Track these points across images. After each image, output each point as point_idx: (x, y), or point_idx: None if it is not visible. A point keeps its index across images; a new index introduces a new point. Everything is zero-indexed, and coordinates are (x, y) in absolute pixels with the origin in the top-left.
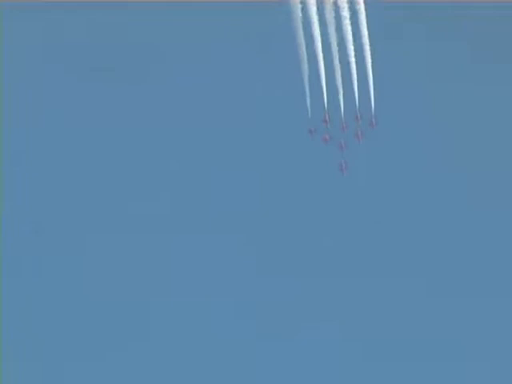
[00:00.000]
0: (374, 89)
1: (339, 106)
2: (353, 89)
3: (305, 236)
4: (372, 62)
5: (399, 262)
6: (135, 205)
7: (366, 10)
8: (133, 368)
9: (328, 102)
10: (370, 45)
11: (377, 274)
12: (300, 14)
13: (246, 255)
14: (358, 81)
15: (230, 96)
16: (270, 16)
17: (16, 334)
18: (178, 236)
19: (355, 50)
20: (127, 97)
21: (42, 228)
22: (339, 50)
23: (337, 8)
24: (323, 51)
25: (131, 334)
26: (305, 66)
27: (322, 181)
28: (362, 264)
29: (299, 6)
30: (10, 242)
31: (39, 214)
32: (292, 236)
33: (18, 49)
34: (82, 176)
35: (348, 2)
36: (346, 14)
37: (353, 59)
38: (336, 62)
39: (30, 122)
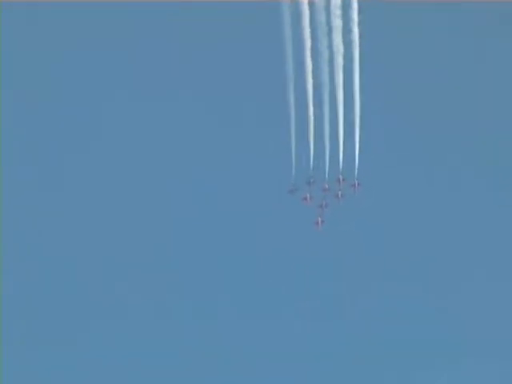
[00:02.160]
0: (360, 150)
1: (324, 166)
2: (338, 148)
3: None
4: (361, 119)
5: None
6: None
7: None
8: (132, 367)
9: (313, 160)
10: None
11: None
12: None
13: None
14: (344, 138)
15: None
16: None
17: (16, 334)
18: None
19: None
20: (127, 97)
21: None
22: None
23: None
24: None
25: (130, 334)
26: (292, 116)
27: (297, 236)
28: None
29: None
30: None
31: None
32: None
33: (17, 49)
34: (81, 176)
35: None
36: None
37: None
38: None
39: (30, 121)
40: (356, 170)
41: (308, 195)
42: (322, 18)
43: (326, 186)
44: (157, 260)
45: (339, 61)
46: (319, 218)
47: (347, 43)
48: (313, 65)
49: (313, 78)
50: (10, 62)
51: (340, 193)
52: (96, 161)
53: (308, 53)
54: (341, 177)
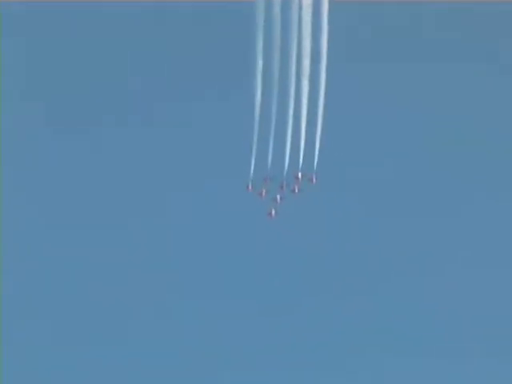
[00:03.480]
0: (320, 146)
1: (283, 164)
2: (299, 145)
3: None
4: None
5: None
6: None
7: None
8: (133, 367)
9: (272, 158)
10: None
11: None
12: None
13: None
14: (306, 136)
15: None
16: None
17: (16, 333)
18: None
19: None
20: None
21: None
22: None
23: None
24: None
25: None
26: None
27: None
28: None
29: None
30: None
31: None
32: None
33: (17, 49)
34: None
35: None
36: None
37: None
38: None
39: (30, 121)
40: (315, 166)
41: (264, 190)
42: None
43: (284, 183)
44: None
45: (306, 55)
46: (272, 210)
47: (316, 40)
48: (280, 60)
49: (280, 72)
50: (11, 61)
51: (297, 187)
52: (96, 160)
53: (277, 48)
54: (300, 174)
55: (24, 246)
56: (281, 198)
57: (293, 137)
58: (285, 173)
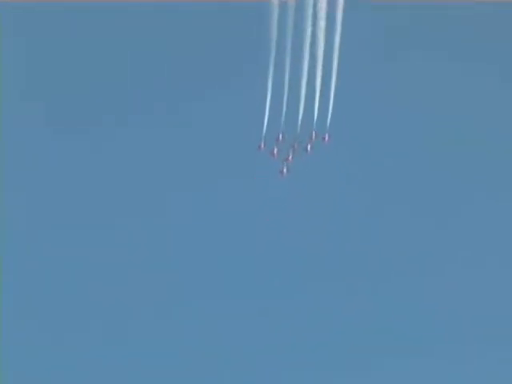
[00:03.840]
0: (334, 103)
1: (297, 121)
2: (314, 103)
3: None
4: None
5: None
6: None
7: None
8: (132, 367)
9: (286, 117)
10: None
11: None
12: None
13: None
14: (320, 94)
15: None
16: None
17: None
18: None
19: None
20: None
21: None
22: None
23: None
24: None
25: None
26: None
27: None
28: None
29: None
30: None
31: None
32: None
33: (17, 49)
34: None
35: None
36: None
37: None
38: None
39: (30, 122)
40: (328, 124)
41: (276, 149)
42: None
43: (295, 144)
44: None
45: (322, 16)
46: (284, 168)
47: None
48: (295, 21)
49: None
50: (11, 61)
51: (309, 146)
52: (96, 160)
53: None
54: (314, 133)
55: (24, 245)
56: (293, 157)
57: (306, 96)
58: (298, 130)
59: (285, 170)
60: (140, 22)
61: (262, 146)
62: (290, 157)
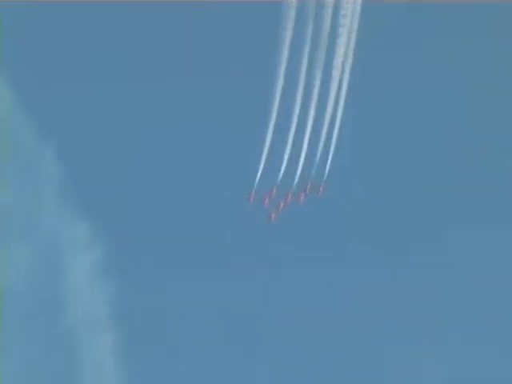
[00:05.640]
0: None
1: (295, 173)
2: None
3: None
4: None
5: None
6: None
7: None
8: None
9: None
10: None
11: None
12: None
13: None
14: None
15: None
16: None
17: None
18: None
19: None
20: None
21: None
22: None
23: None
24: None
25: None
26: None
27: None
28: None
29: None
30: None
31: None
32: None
33: (17, 49)
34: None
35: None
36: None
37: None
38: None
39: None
40: (325, 175)
41: (267, 198)
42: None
43: (289, 195)
44: None
45: (335, 65)
46: (272, 214)
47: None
48: (307, 65)
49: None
50: (11, 61)
51: (303, 194)
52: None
53: (305, 56)
54: (309, 185)
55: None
56: (283, 206)
57: (308, 145)
58: (295, 182)
59: (273, 216)
60: (144, 23)
61: (252, 196)
62: (282, 205)
